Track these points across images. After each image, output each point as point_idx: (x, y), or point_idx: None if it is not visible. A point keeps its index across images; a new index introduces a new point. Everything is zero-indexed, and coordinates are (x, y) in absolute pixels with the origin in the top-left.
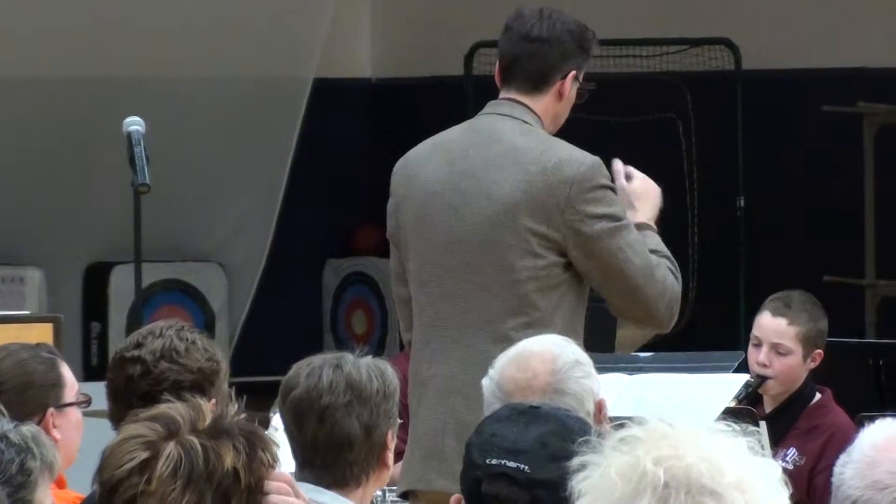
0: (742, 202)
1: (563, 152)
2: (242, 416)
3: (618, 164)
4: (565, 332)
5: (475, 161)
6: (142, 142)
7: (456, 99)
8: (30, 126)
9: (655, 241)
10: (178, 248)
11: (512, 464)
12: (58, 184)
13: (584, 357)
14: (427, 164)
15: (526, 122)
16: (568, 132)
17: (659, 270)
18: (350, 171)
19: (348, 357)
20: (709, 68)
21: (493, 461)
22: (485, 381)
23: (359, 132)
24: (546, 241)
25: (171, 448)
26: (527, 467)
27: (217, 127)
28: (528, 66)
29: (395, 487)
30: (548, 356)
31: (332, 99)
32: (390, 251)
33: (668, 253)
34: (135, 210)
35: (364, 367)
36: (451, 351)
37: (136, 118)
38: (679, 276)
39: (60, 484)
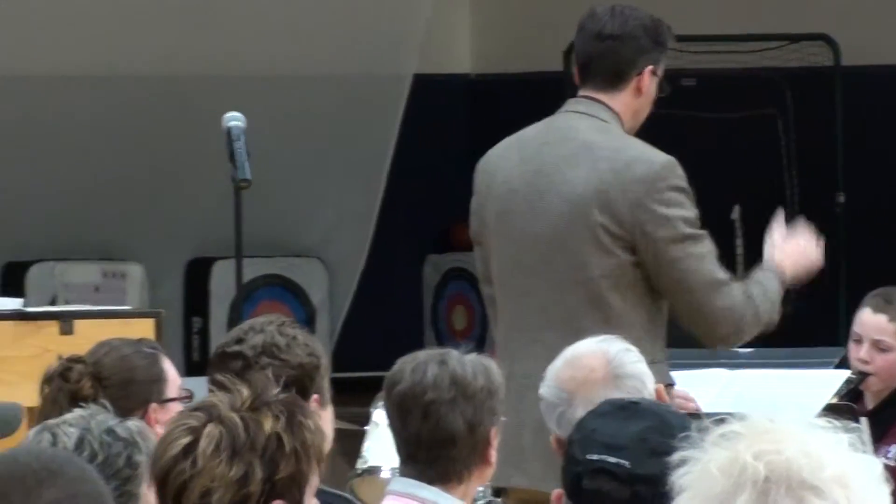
0: (842, 198)
1: (637, 151)
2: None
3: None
4: (643, 333)
5: (549, 158)
6: (242, 137)
7: (554, 95)
8: (131, 123)
9: (768, 279)
10: (279, 244)
11: (612, 459)
12: (159, 180)
13: (631, 346)
14: (505, 161)
15: (602, 120)
16: (666, 128)
17: (726, 287)
18: (450, 166)
19: (453, 353)
20: (808, 64)
21: (594, 457)
22: (542, 391)
23: (458, 128)
24: (618, 239)
25: (210, 428)
26: (627, 463)
27: (317, 123)
28: (604, 65)
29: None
30: (598, 351)
31: (431, 95)
32: (474, 250)
33: (773, 295)
34: (235, 205)
35: (469, 363)
36: (530, 348)
37: (237, 114)
38: (764, 308)
39: None
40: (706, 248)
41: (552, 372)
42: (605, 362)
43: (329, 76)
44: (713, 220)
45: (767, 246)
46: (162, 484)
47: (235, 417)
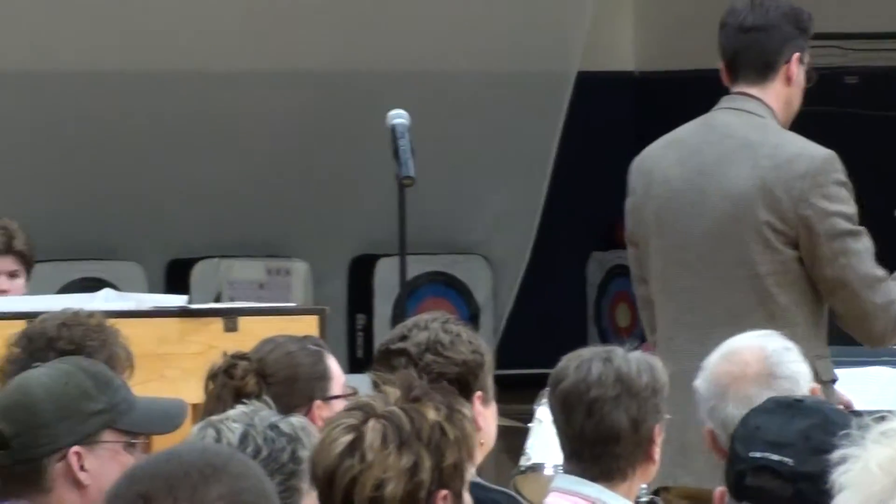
0: None
1: (797, 146)
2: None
3: None
4: (807, 328)
5: (709, 157)
6: (406, 135)
7: (720, 92)
8: (296, 120)
9: None
10: (443, 241)
11: (775, 457)
12: (323, 177)
13: (791, 345)
14: (663, 161)
15: (758, 116)
16: (828, 126)
17: (884, 284)
18: (613, 164)
19: (618, 350)
20: None
21: (757, 454)
22: (697, 383)
23: (622, 125)
24: (782, 235)
25: (373, 423)
26: (790, 460)
27: (481, 120)
28: (750, 58)
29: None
30: (756, 347)
31: (595, 92)
32: (628, 251)
33: None
34: (399, 203)
35: (634, 360)
36: (696, 346)
37: (401, 111)
38: None
39: None
40: (864, 245)
41: (709, 364)
42: (761, 358)
43: (494, 73)
44: (875, 217)
45: None
46: (328, 484)
47: (397, 410)
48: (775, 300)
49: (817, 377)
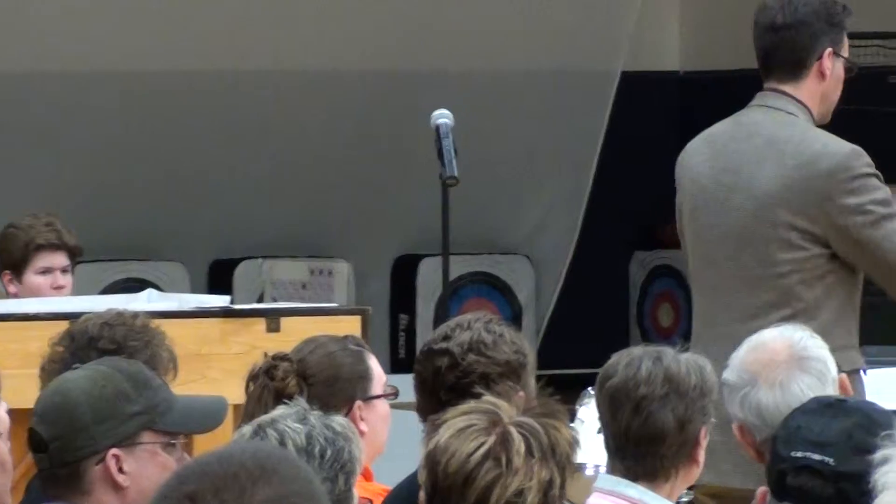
0: None
1: (820, 144)
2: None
3: None
4: (833, 323)
5: (736, 156)
6: (450, 135)
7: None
8: (338, 120)
9: None
10: (486, 241)
11: (817, 456)
12: (366, 177)
13: (815, 334)
14: (695, 158)
15: (789, 113)
16: (873, 124)
17: None
18: (657, 163)
19: (668, 351)
20: None
21: (798, 454)
22: (726, 375)
23: (666, 125)
24: (807, 234)
25: (514, 430)
26: (832, 460)
27: (524, 120)
28: (781, 56)
29: None
30: (781, 337)
31: (639, 92)
32: (682, 245)
33: None
34: (443, 203)
35: (684, 361)
36: (716, 345)
37: (445, 111)
38: None
39: (367, 476)
40: None
41: (736, 358)
42: (788, 345)
43: (538, 72)
44: None
45: None
46: (463, 485)
47: (534, 423)
48: (800, 297)
49: (840, 368)
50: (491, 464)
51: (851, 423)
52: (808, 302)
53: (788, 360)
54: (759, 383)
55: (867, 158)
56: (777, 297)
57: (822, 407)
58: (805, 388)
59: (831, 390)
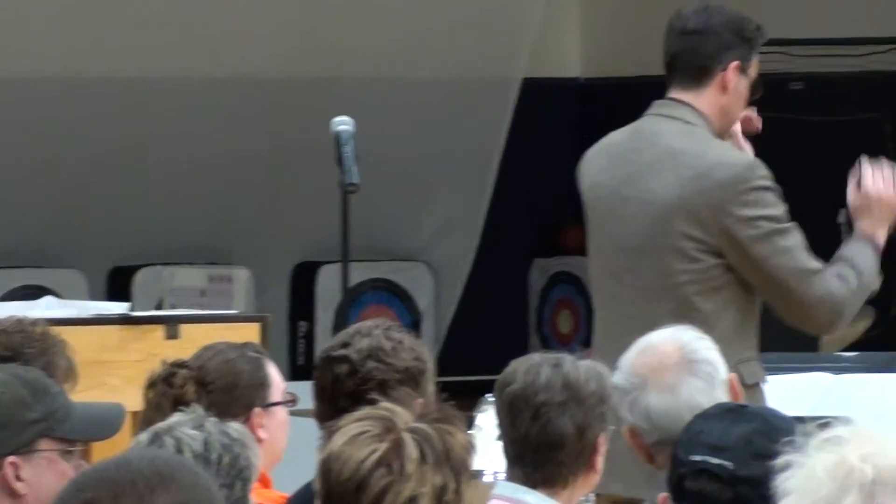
0: None
1: (718, 155)
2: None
3: (865, 169)
4: (732, 335)
5: (634, 166)
6: (350, 141)
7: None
8: (238, 126)
9: (857, 251)
10: (385, 248)
11: (715, 460)
12: (266, 184)
13: (704, 335)
14: (592, 167)
15: (688, 123)
16: (773, 132)
17: (819, 276)
18: (557, 170)
19: (567, 358)
20: None
21: (697, 457)
22: (616, 378)
23: (566, 132)
24: (703, 244)
25: (407, 436)
26: (730, 464)
27: (425, 127)
28: (687, 60)
29: None
30: (670, 339)
31: (540, 99)
32: None
33: (866, 266)
34: (342, 210)
35: (583, 368)
36: (617, 356)
37: (345, 118)
38: (858, 286)
39: (265, 483)
40: (794, 241)
41: (626, 361)
42: (678, 348)
43: (438, 80)
44: (819, 223)
45: (852, 202)
46: (357, 491)
47: (428, 428)
48: (698, 309)
49: (742, 381)
50: (383, 470)
51: (752, 428)
52: (706, 313)
53: (678, 364)
54: (648, 387)
55: (765, 171)
56: (675, 308)
57: (723, 412)
58: (694, 392)
59: (720, 393)
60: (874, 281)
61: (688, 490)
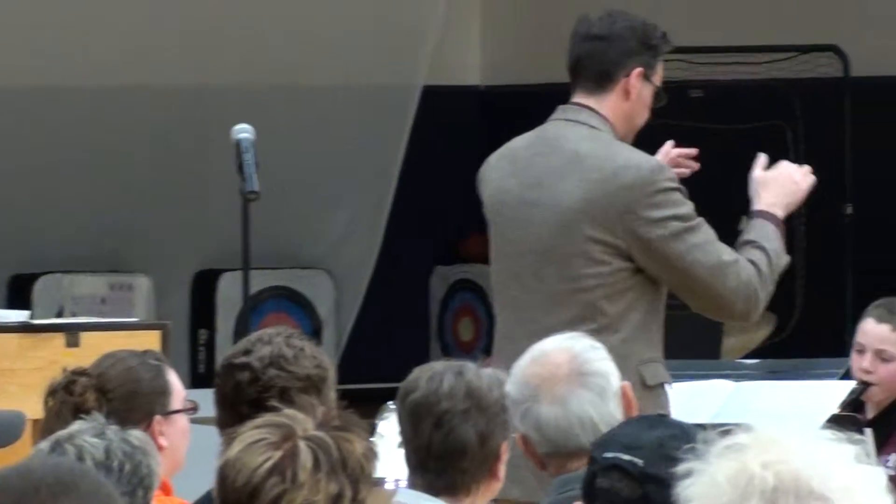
0: (850, 209)
1: (623, 158)
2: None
3: (761, 158)
4: (637, 335)
5: (539, 170)
6: (251, 149)
7: None
8: (138, 134)
9: (759, 231)
10: (286, 255)
11: (626, 457)
12: (167, 192)
13: (598, 344)
14: (496, 173)
15: (592, 127)
16: (674, 139)
17: (734, 266)
18: (458, 178)
19: (470, 365)
20: (817, 75)
21: (609, 454)
22: (508, 388)
23: (468, 139)
24: (610, 247)
25: (303, 444)
26: (641, 461)
27: (325, 134)
28: (590, 65)
29: None
30: (563, 348)
31: (441, 107)
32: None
33: (771, 245)
34: (243, 217)
35: (485, 376)
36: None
37: (246, 125)
38: (770, 266)
39: (166, 491)
40: (706, 236)
41: (518, 369)
42: (570, 358)
43: (338, 87)
44: (720, 230)
45: (752, 187)
46: (249, 498)
47: (325, 436)
48: (604, 312)
49: (643, 382)
50: (276, 478)
51: (667, 433)
52: (612, 316)
53: (569, 375)
54: (539, 398)
55: (670, 173)
56: (581, 313)
57: (643, 419)
58: (585, 404)
59: (612, 405)
60: (783, 258)
61: (598, 488)
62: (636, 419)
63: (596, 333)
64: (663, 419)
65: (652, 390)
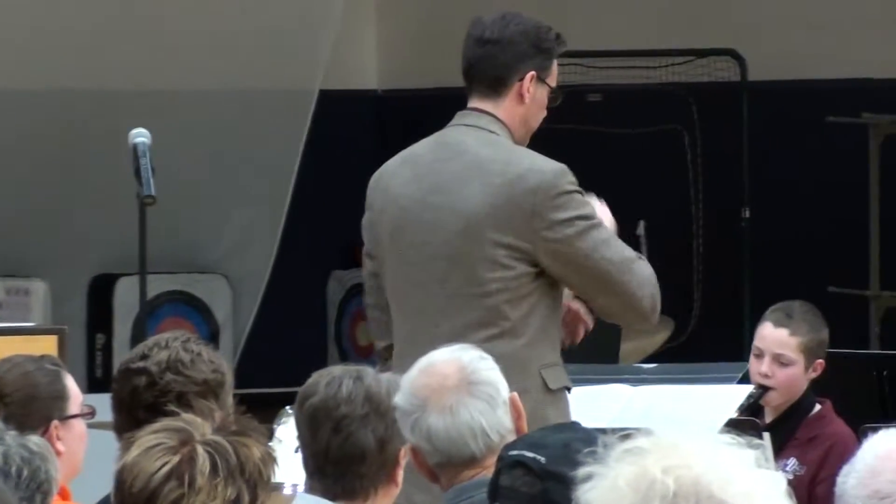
0: (747, 213)
1: (527, 162)
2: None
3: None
4: (538, 338)
5: (442, 176)
6: (147, 154)
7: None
8: (34, 138)
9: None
10: (183, 260)
11: (530, 454)
12: (63, 196)
13: (486, 355)
14: (397, 179)
15: (491, 132)
16: (572, 143)
17: (638, 263)
18: (356, 182)
19: (369, 370)
20: (714, 79)
21: (514, 452)
22: (397, 399)
23: (364, 144)
24: (515, 251)
25: (201, 448)
26: (543, 459)
27: (222, 139)
28: (483, 70)
29: None
30: (451, 359)
31: (337, 110)
32: (363, 263)
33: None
34: (140, 222)
35: (384, 381)
36: None
37: (142, 130)
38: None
39: (64, 496)
40: (608, 233)
41: (407, 381)
42: (458, 369)
43: (234, 91)
44: (618, 234)
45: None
46: (148, 502)
47: (223, 441)
48: (506, 316)
49: (546, 386)
50: (174, 483)
51: (575, 437)
52: (514, 321)
53: (458, 385)
54: (428, 408)
55: (572, 177)
56: (483, 317)
57: (556, 425)
58: (475, 413)
59: (502, 413)
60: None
61: (502, 486)
62: (550, 426)
63: (498, 338)
64: (574, 425)
65: (554, 394)
